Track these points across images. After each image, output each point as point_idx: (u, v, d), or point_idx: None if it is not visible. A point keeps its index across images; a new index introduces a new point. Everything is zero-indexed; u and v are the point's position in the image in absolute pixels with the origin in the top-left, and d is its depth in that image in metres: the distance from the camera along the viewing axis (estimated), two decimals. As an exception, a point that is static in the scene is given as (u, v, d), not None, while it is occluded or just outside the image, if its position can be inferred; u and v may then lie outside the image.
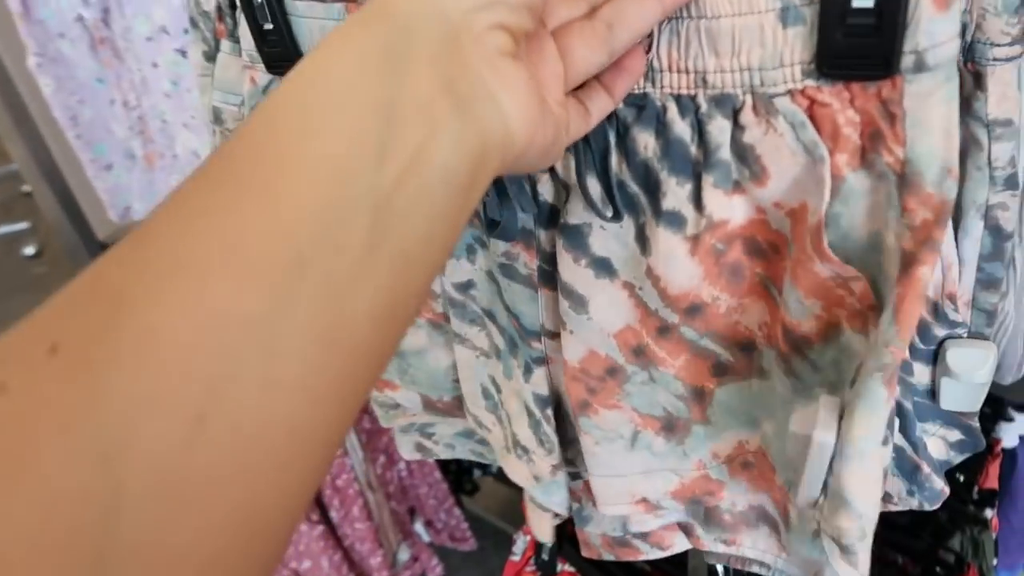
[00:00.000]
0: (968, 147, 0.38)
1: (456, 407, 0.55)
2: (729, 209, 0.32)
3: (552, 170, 0.37)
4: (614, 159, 0.34)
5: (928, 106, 0.28)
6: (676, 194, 0.33)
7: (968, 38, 0.35)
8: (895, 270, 0.30)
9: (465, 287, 0.44)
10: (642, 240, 0.35)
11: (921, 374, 0.44)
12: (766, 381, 0.37)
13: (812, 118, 0.29)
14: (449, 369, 0.52)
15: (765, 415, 0.38)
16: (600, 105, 0.32)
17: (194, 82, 0.79)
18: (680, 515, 0.47)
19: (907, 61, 0.27)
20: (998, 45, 0.34)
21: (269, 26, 0.41)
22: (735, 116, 0.31)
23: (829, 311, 0.32)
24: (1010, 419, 0.77)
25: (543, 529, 0.55)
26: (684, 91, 0.32)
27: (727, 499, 0.42)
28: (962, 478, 0.75)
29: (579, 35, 0.29)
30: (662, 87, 0.32)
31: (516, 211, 0.37)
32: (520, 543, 0.78)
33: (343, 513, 1.03)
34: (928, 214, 0.29)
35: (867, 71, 0.28)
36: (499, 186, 0.36)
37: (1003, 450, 0.78)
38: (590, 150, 0.34)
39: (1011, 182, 0.37)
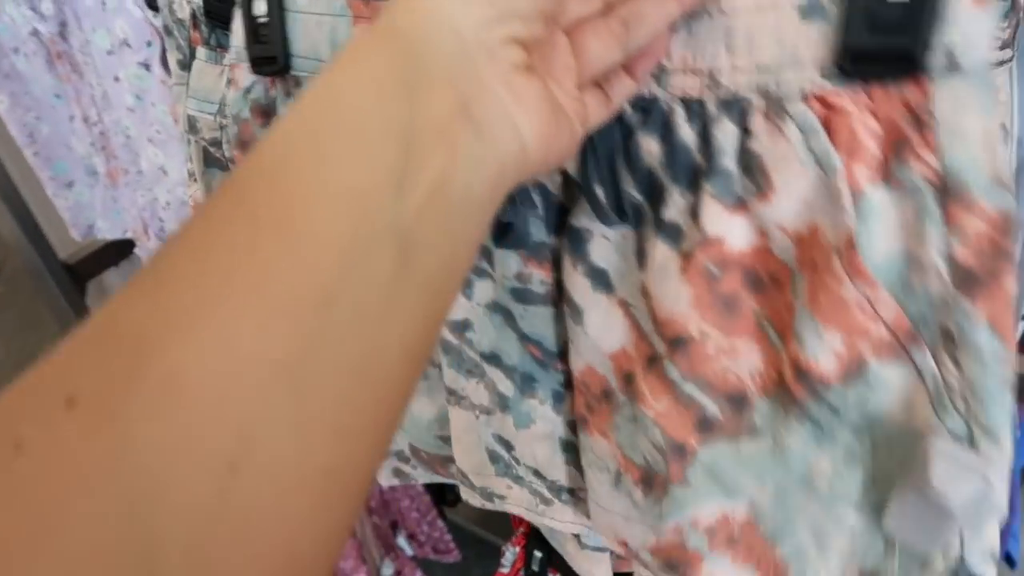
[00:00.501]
0: (958, 151, 0.38)
1: (439, 463, 0.52)
2: (727, 227, 0.30)
3: (563, 171, 0.35)
4: (619, 165, 0.32)
5: (963, 114, 0.25)
6: (677, 204, 0.31)
7: (958, 43, 0.35)
8: (942, 287, 0.27)
9: (462, 327, 0.42)
10: (640, 254, 0.34)
11: None
12: (757, 441, 0.34)
13: (827, 126, 0.27)
14: (432, 423, 0.49)
15: (756, 483, 0.35)
16: (621, 89, 0.30)
17: (158, 95, 0.77)
18: None
19: (937, 60, 0.25)
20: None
21: (264, 19, 0.39)
22: (744, 121, 0.29)
23: (851, 345, 0.29)
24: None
25: (600, 572, 0.51)
26: (693, 94, 0.30)
27: (707, 574, 0.38)
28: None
29: (593, 33, 0.28)
30: (671, 90, 0.30)
31: (526, 217, 0.35)
32: (509, 554, 0.77)
33: (324, 531, 1.01)
34: (982, 226, 0.26)
35: (892, 69, 0.26)
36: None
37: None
38: (595, 154, 0.33)
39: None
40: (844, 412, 0.31)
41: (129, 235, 0.98)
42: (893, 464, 0.31)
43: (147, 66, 0.75)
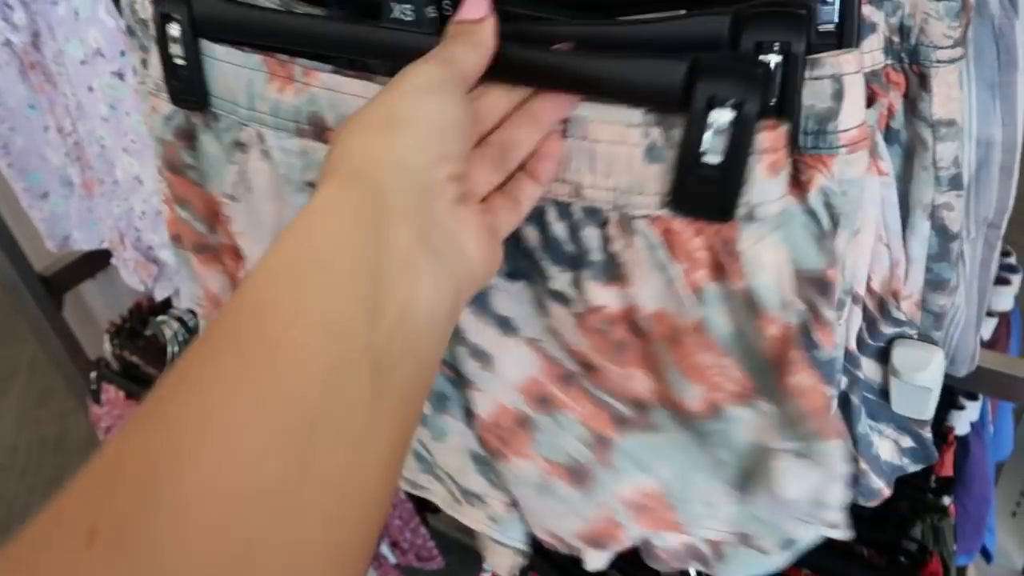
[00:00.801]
0: (914, 148, 0.39)
1: None
2: (606, 297, 0.36)
3: None
4: (508, 239, 0.37)
5: (760, 250, 0.32)
6: (560, 279, 0.37)
7: (912, 41, 0.36)
8: (762, 362, 0.35)
9: None
10: (541, 305, 0.39)
11: (870, 370, 0.45)
12: (660, 436, 0.41)
13: (667, 241, 0.33)
14: None
15: (663, 464, 0.42)
16: (528, 192, 0.34)
17: (132, 105, 0.77)
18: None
19: (741, 212, 0.31)
20: (941, 48, 0.35)
21: (181, 61, 0.42)
22: (604, 228, 0.35)
23: (710, 395, 0.37)
24: (961, 407, 0.79)
25: (503, 564, 0.56)
26: (563, 198, 0.35)
27: (628, 539, 0.47)
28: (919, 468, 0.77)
29: (478, 162, 0.32)
30: (544, 192, 0.36)
31: None
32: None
33: (306, 540, 1.00)
34: (778, 332, 0.33)
35: (710, 214, 0.32)
36: None
37: (956, 438, 0.80)
38: None
39: (956, 182, 0.38)
40: (714, 436, 0.39)
41: (105, 245, 0.98)
42: (757, 461, 0.39)
43: (121, 75, 0.75)
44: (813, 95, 0.31)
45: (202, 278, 0.53)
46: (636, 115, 0.33)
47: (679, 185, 0.32)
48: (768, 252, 0.32)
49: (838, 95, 0.31)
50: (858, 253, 0.37)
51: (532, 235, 0.37)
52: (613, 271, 0.36)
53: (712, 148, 0.31)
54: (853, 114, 0.31)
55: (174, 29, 0.42)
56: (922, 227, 0.39)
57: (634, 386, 0.40)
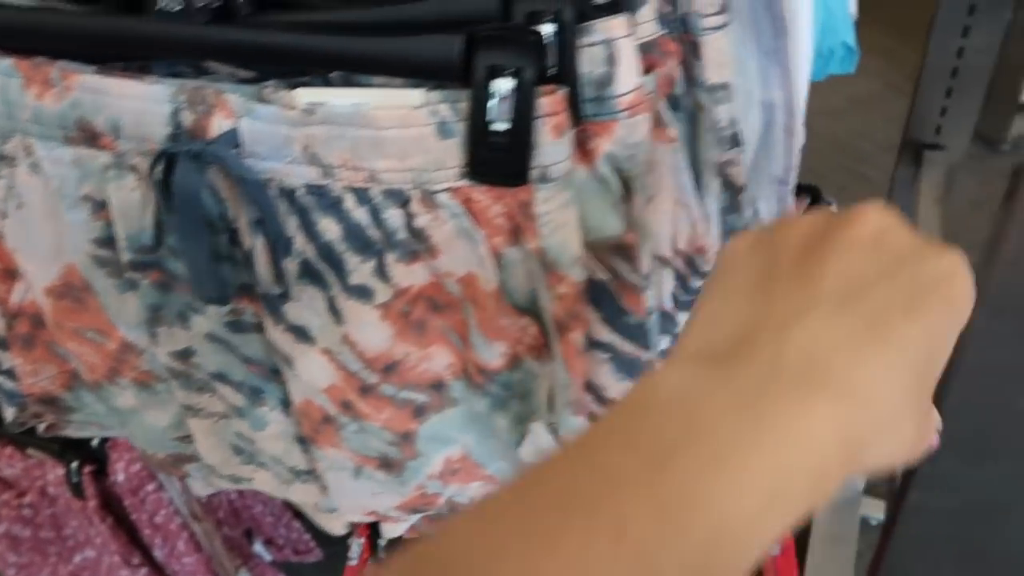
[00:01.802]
0: (695, 112, 0.41)
1: (171, 464, 0.55)
2: (411, 276, 0.38)
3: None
4: (300, 240, 0.37)
5: (554, 210, 0.34)
6: (361, 271, 0.37)
7: (681, 10, 0.37)
8: (552, 322, 0.37)
9: (184, 355, 0.45)
10: (335, 311, 0.39)
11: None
12: (458, 407, 0.44)
13: (469, 210, 0.35)
14: (168, 428, 0.51)
15: (463, 432, 0.45)
16: None
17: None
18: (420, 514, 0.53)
19: (535, 174, 0.33)
20: (706, 15, 0.37)
21: None
22: (406, 206, 0.36)
23: (512, 349, 0.40)
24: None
25: (336, 526, 0.60)
26: (359, 184, 0.36)
27: (448, 502, 0.50)
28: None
29: None
30: (338, 180, 0.36)
31: (224, 278, 0.39)
32: (355, 547, 0.78)
33: (167, 550, 0.96)
34: (568, 290, 0.35)
35: (506, 179, 0.34)
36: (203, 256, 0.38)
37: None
38: (266, 234, 0.37)
39: (735, 140, 0.41)
40: (512, 387, 0.42)
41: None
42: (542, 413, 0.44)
43: None
44: (589, 62, 0.33)
45: None
46: (418, 96, 0.34)
47: (473, 155, 0.34)
48: (561, 212, 0.34)
49: (611, 60, 0.33)
50: (658, 218, 0.39)
51: (331, 227, 0.37)
52: (418, 247, 0.36)
53: (498, 116, 0.32)
54: (627, 78, 0.33)
55: None
56: (713, 185, 0.42)
57: (433, 366, 0.42)
